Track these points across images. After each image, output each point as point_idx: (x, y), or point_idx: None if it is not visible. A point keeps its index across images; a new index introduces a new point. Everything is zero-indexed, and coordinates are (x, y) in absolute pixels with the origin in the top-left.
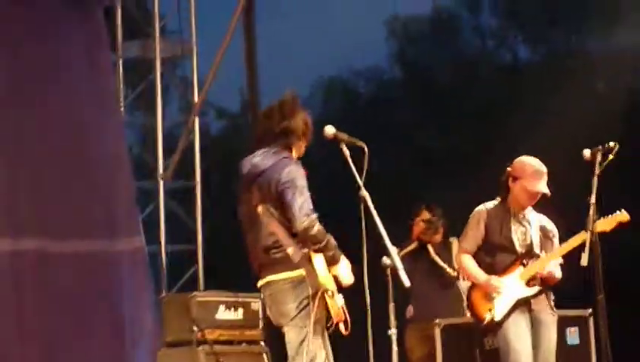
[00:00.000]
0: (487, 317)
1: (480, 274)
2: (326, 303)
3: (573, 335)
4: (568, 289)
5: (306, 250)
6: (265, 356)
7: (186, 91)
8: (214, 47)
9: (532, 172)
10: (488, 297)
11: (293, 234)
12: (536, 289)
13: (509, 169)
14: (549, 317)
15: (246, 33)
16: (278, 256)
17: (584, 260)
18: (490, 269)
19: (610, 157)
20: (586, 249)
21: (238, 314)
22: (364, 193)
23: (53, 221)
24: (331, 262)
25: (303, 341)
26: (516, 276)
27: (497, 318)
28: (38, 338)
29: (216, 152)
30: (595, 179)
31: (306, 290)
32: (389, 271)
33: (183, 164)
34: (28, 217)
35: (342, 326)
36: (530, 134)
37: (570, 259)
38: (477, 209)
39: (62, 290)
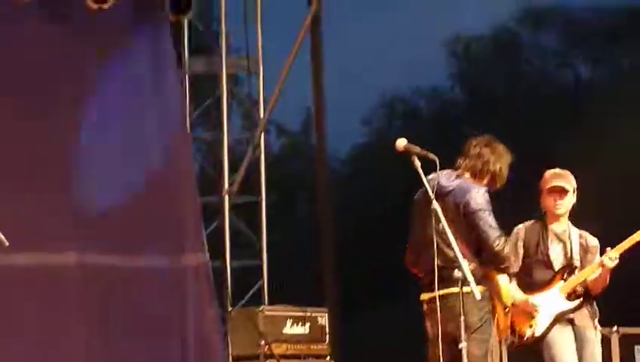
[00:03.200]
0: (529, 332)
1: (518, 294)
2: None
3: None
4: (634, 305)
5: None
6: None
7: (248, 108)
8: (277, 64)
9: (549, 176)
10: (528, 315)
11: (476, 252)
12: (576, 302)
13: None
14: (593, 333)
15: (313, 52)
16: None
17: None
18: (530, 287)
19: None
20: None
21: (305, 329)
22: (436, 205)
23: (118, 235)
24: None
25: (485, 354)
26: (556, 290)
27: (538, 333)
28: (103, 347)
29: (276, 170)
30: None
31: (487, 305)
32: (459, 284)
33: (246, 180)
34: (93, 232)
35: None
36: (590, 156)
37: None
38: (516, 228)
39: (127, 305)
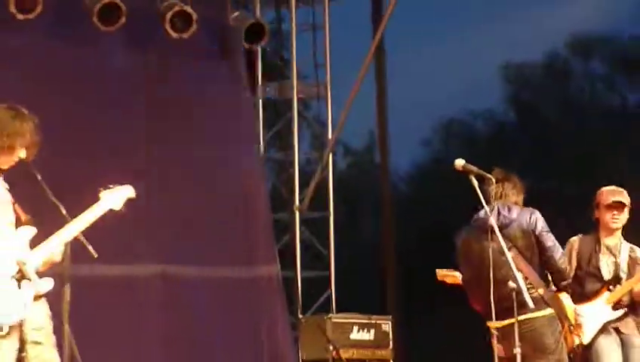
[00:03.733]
0: (576, 341)
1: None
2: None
3: None
4: None
5: (553, 289)
6: None
7: (317, 130)
8: (343, 88)
9: (607, 191)
10: (576, 324)
11: (541, 275)
12: (621, 311)
13: (596, 197)
14: (637, 340)
15: (377, 78)
16: (534, 296)
17: None
18: (581, 297)
19: None
20: None
21: (370, 335)
22: (492, 221)
23: (196, 249)
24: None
25: None
26: (603, 300)
27: (585, 341)
28: (182, 352)
29: (342, 187)
30: None
31: (559, 326)
32: (514, 294)
33: (315, 197)
34: (173, 245)
35: None
36: (636, 173)
37: None
38: (570, 239)
39: (203, 311)
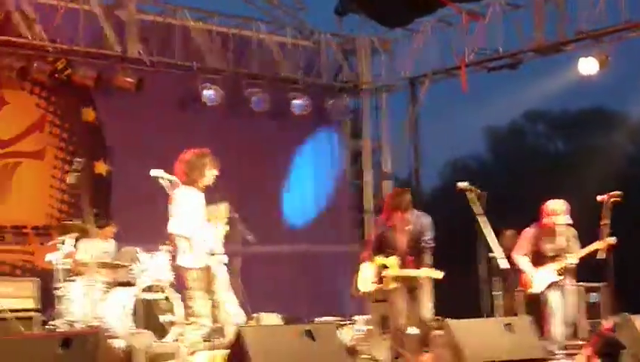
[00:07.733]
0: (531, 290)
1: (530, 268)
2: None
3: (594, 297)
4: (593, 271)
5: None
6: None
7: (379, 168)
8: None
9: (556, 211)
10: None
11: None
12: (561, 277)
13: (542, 206)
14: (570, 288)
15: (414, 135)
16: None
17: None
18: (537, 264)
19: (618, 199)
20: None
21: None
22: (483, 219)
23: (311, 234)
24: None
25: None
26: (552, 268)
27: (536, 291)
28: (309, 295)
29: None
30: (608, 211)
31: None
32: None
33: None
34: (297, 233)
35: None
36: (563, 189)
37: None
38: (526, 229)
39: (320, 271)
